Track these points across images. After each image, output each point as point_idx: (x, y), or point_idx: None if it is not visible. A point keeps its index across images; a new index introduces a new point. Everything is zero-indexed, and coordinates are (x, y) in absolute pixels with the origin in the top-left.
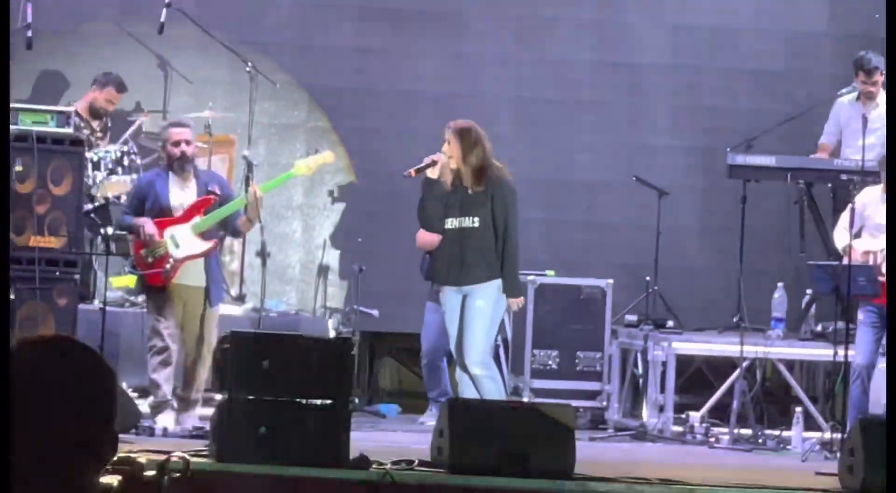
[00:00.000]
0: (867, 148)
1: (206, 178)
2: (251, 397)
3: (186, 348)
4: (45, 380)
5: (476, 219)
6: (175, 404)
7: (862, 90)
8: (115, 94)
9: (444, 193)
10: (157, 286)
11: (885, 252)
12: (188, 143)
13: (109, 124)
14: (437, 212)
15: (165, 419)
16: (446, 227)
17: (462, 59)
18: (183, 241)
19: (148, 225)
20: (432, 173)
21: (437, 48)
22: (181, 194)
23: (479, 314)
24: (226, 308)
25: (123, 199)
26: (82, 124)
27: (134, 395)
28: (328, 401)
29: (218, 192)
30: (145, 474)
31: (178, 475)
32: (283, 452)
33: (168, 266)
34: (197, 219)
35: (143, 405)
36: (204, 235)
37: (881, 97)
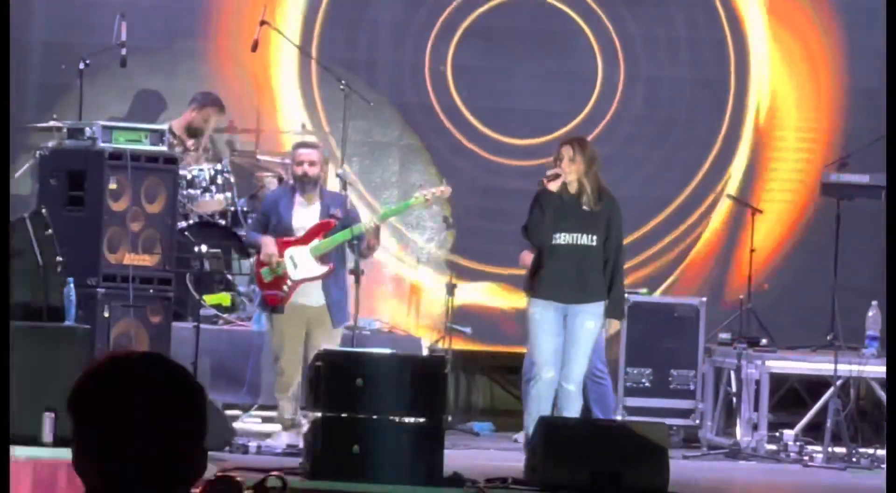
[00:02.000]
0: None
1: (330, 200)
2: (344, 416)
3: (307, 367)
4: (135, 396)
5: (594, 237)
6: (300, 422)
7: None
8: (214, 114)
9: (559, 208)
10: (277, 306)
11: None
12: (312, 164)
13: (207, 145)
14: (551, 226)
15: (284, 438)
16: (558, 243)
17: (556, 76)
18: (301, 262)
19: (270, 244)
20: (553, 186)
21: (532, 66)
22: (304, 215)
23: (588, 335)
24: None
25: (218, 217)
26: (175, 142)
27: (228, 413)
28: (421, 419)
29: (339, 215)
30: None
31: None
32: (375, 470)
33: (286, 287)
34: (316, 242)
35: (239, 422)
36: (322, 259)
37: None
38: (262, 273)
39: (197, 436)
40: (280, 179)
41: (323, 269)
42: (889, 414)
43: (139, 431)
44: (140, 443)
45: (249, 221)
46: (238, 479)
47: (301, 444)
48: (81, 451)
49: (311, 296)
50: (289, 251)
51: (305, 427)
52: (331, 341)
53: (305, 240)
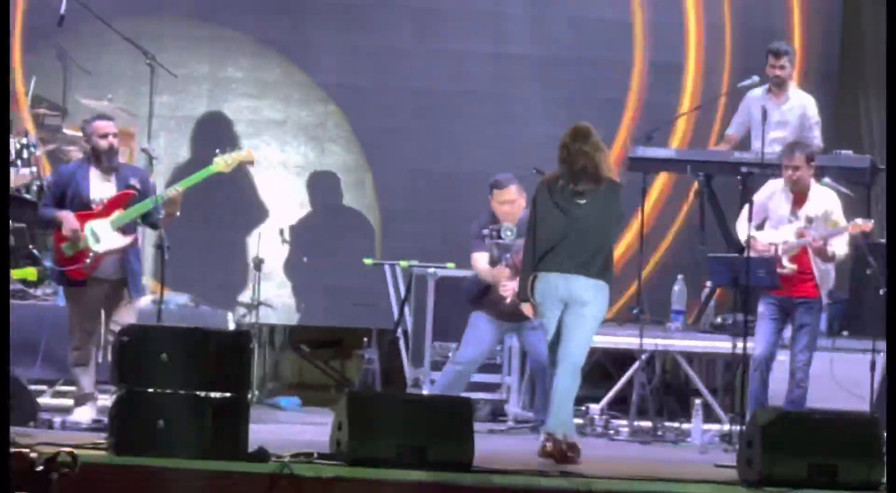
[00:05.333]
0: (776, 141)
1: (127, 172)
2: (149, 391)
3: (105, 340)
4: None
5: None
6: (97, 396)
7: (769, 75)
8: None
9: None
10: (75, 280)
11: (786, 245)
12: (115, 136)
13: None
14: None
15: (84, 413)
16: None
17: (360, 51)
18: (103, 235)
19: (70, 219)
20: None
21: (337, 41)
22: (102, 188)
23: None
24: None
25: (24, 191)
26: None
27: (34, 388)
28: (227, 394)
29: (138, 186)
30: (36, 469)
31: (66, 469)
32: (180, 445)
33: (88, 260)
34: (117, 213)
35: (45, 398)
36: (123, 230)
37: (793, 90)
38: (62, 248)
39: None
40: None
41: (126, 240)
42: (889, 415)
43: None
44: None
45: (45, 196)
46: (31, 455)
47: (105, 419)
48: None
49: (109, 269)
50: (89, 225)
51: (105, 402)
52: (130, 313)
53: (105, 212)
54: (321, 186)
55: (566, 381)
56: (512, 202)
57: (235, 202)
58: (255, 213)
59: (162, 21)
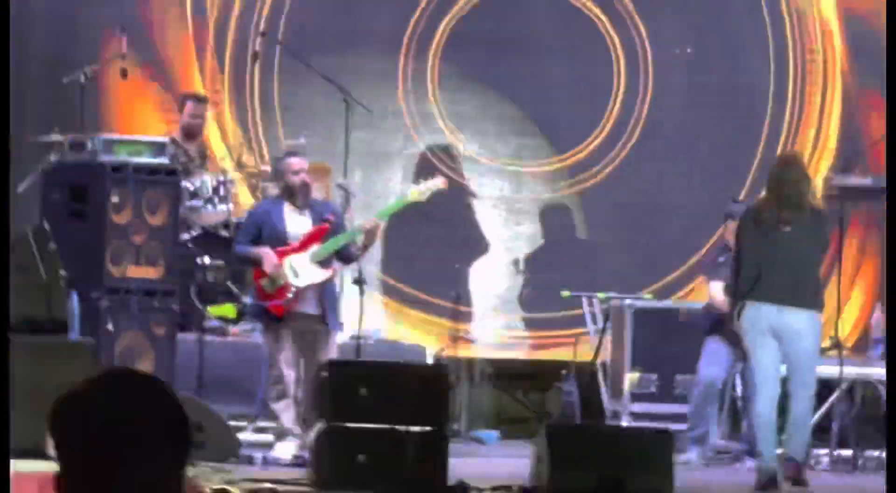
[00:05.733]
0: None
1: (320, 207)
2: (349, 425)
3: (304, 376)
4: (109, 416)
5: None
6: (298, 431)
7: None
8: (194, 105)
9: None
10: (275, 316)
11: None
12: (307, 172)
13: (208, 152)
14: None
15: (286, 448)
16: None
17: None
18: (302, 270)
19: (271, 256)
20: None
21: (535, 73)
22: (297, 223)
23: None
24: None
25: (221, 229)
26: (178, 152)
27: (234, 424)
28: (427, 428)
29: (332, 219)
30: None
31: None
32: (381, 479)
33: (289, 296)
34: (315, 247)
35: (246, 434)
36: (322, 264)
37: None
38: (262, 284)
39: (177, 455)
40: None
41: (325, 273)
42: (889, 415)
43: (116, 451)
44: (117, 463)
45: (239, 233)
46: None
47: (307, 454)
48: (62, 471)
49: (307, 304)
50: (287, 260)
51: (307, 437)
52: (329, 348)
53: (303, 247)
54: (518, 218)
55: (805, 409)
56: None
57: (444, 235)
58: (471, 245)
59: (357, 56)
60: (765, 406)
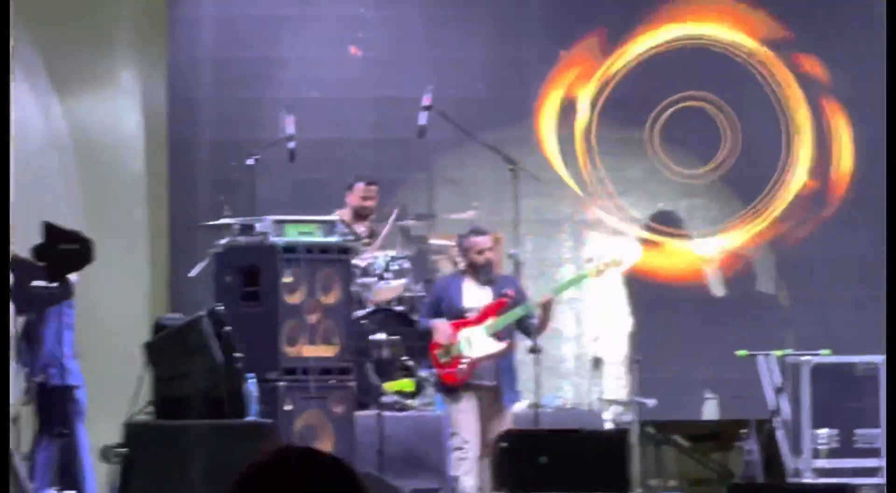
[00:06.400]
0: None
1: (501, 281)
2: None
3: (482, 445)
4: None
5: None
6: None
7: None
8: (365, 188)
9: None
10: (451, 386)
11: None
12: (491, 250)
13: (376, 229)
14: None
15: None
16: None
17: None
18: (476, 341)
19: (443, 327)
20: None
21: (703, 136)
22: (477, 296)
23: None
24: None
25: (395, 304)
26: (347, 231)
27: None
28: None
29: (512, 294)
30: None
31: None
32: None
33: (462, 366)
34: (491, 320)
35: None
36: (498, 336)
37: None
38: (437, 355)
39: None
40: (455, 262)
41: (500, 346)
42: (889, 416)
43: None
44: None
45: (422, 307)
46: None
47: None
48: None
49: (484, 375)
50: (463, 332)
51: None
52: (504, 420)
53: (479, 320)
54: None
55: None
56: None
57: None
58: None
59: (522, 126)
60: None
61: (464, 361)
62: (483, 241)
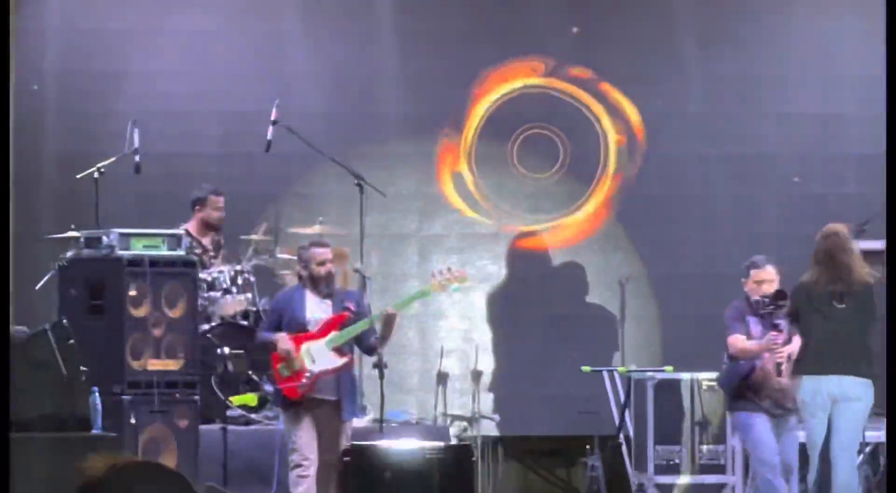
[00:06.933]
0: None
1: (342, 295)
2: None
3: (320, 460)
4: None
5: None
6: None
7: None
8: (216, 198)
9: None
10: (293, 400)
11: None
12: (328, 262)
13: (222, 242)
14: None
15: None
16: None
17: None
18: (318, 355)
19: (285, 340)
20: None
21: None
22: (317, 310)
23: None
24: None
25: (240, 318)
26: (194, 244)
27: None
28: None
29: (353, 308)
30: None
31: None
32: None
33: (304, 380)
34: (333, 334)
35: None
36: (339, 351)
37: None
38: (279, 369)
39: None
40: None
41: (341, 361)
42: (889, 417)
43: None
44: None
45: (262, 320)
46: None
47: None
48: None
49: (325, 390)
50: (305, 346)
51: None
52: (343, 435)
53: (321, 334)
54: (534, 293)
55: (847, 473)
56: (771, 282)
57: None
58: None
59: (370, 141)
60: (848, 475)
61: (306, 375)
62: (322, 252)
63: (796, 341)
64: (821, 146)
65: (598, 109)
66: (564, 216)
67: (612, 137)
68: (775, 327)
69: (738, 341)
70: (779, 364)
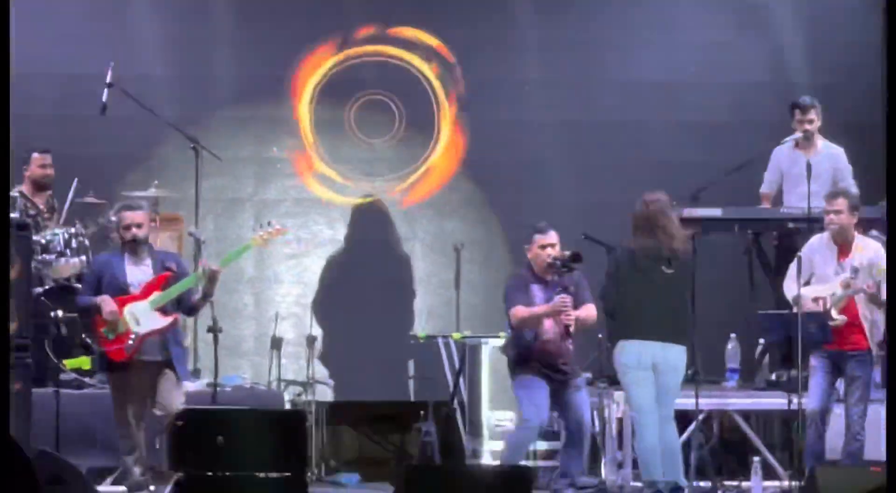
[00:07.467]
0: (810, 195)
1: (162, 256)
2: (207, 474)
3: (153, 422)
4: None
5: None
6: (151, 482)
7: (798, 129)
8: (40, 156)
9: None
10: (118, 364)
11: (834, 297)
12: (139, 226)
13: (56, 205)
14: None
15: None
16: None
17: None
18: (143, 317)
19: (108, 302)
20: None
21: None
22: (137, 272)
23: None
24: None
25: (74, 281)
26: (28, 205)
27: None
28: (286, 474)
29: (174, 269)
30: None
31: None
32: None
33: (130, 342)
34: (155, 295)
35: (106, 485)
36: (163, 311)
37: (822, 142)
38: (103, 332)
39: None
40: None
41: (167, 320)
42: (888, 418)
43: None
44: None
45: (82, 284)
46: None
47: None
48: None
49: (151, 351)
50: (128, 308)
51: (152, 488)
52: (176, 395)
53: (143, 294)
54: (371, 259)
55: (673, 434)
56: (554, 246)
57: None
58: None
59: (206, 105)
60: (653, 436)
61: (131, 337)
62: (131, 215)
63: (590, 306)
64: (660, 113)
65: (430, 73)
66: (400, 181)
67: (446, 103)
68: (566, 290)
69: (519, 311)
70: (567, 326)
